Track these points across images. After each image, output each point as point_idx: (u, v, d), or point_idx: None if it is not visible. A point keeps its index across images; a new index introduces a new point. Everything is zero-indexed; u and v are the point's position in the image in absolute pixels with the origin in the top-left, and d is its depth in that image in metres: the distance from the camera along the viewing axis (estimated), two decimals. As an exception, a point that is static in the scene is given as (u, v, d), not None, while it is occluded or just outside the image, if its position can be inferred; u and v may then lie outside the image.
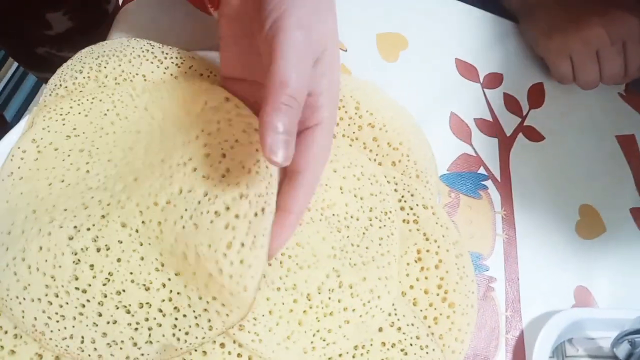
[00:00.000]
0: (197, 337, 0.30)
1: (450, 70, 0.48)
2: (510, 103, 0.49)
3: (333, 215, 0.36)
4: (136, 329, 0.30)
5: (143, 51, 0.36)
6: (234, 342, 0.31)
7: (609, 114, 0.52)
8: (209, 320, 0.30)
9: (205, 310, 0.30)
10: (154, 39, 0.38)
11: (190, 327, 0.30)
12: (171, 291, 0.30)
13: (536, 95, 0.50)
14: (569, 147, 0.49)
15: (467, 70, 0.49)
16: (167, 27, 0.41)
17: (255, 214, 0.31)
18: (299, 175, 0.31)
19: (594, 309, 0.43)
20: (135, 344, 0.30)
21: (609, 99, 0.53)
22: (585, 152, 0.49)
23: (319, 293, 0.34)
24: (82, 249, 0.30)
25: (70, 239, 0.30)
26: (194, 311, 0.30)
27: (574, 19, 0.48)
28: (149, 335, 0.30)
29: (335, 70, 0.32)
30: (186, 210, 0.31)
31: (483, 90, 0.49)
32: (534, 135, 0.48)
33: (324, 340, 0.33)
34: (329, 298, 0.34)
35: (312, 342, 0.33)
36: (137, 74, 0.35)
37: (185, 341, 0.30)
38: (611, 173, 0.50)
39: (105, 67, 0.35)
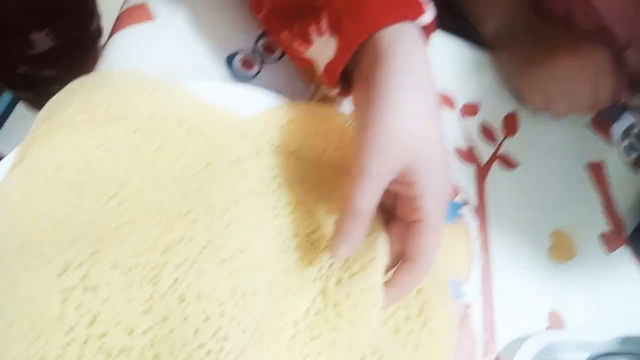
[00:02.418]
0: None
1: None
2: (486, 132, 0.51)
3: (319, 238, 0.37)
4: None
5: (133, 82, 0.36)
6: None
7: (579, 141, 0.55)
8: None
9: (188, 358, 0.30)
10: (144, 69, 0.39)
11: None
12: (154, 337, 0.30)
13: (511, 124, 0.52)
14: (542, 174, 0.51)
15: (444, 99, 0.51)
16: (158, 58, 0.41)
17: (257, 269, 0.33)
18: (408, 262, 0.35)
19: (567, 331, 0.45)
20: None
21: (579, 126, 0.56)
22: (557, 179, 0.52)
23: (306, 317, 0.35)
24: (69, 287, 0.30)
25: (59, 276, 0.30)
26: (175, 359, 0.30)
27: (547, 53, 0.50)
28: None
29: (433, 173, 0.33)
30: (188, 255, 0.32)
31: (460, 120, 0.50)
32: (508, 162, 0.50)
33: None
34: (316, 321, 0.35)
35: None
36: (126, 106, 0.36)
37: None
38: (581, 199, 0.52)
39: (95, 99, 0.35)
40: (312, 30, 0.36)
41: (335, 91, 0.39)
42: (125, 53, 0.40)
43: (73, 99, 0.35)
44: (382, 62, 0.33)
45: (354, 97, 0.36)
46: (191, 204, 0.35)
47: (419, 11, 0.34)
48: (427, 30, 0.36)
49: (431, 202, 0.33)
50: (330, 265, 0.36)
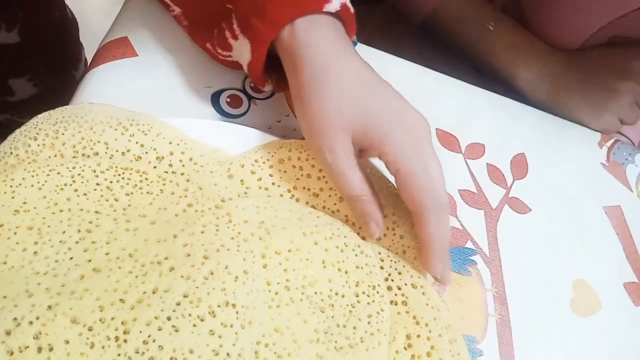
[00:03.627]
0: None
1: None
2: (494, 174, 0.47)
3: (315, 293, 0.33)
4: None
5: (107, 117, 0.33)
6: None
7: (594, 184, 0.51)
8: None
9: None
10: (122, 106, 0.36)
11: None
12: None
13: (519, 166, 0.49)
14: (557, 219, 0.47)
15: (448, 140, 0.47)
16: (138, 95, 0.38)
17: (242, 326, 0.29)
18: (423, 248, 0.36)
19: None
20: None
21: (592, 168, 0.52)
22: (574, 224, 0.48)
23: None
24: (19, 348, 0.25)
25: (8, 334, 0.25)
26: None
27: (597, 79, 0.57)
28: None
29: (392, 127, 0.34)
30: (163, 310, 0.28)
31: (465, 161, 0.47)
32: (520, 207, 0.46)
33: None
34: None
35: None
36: (98, 142, 0.32)
37: None
38: (601, 245, 0.48)
39: (63, 134, 0.32)
40: (228, 35, 0.37)
41: (268, 88, 0.39)
42: (102, 88, 0.37)
43: (38, 133, 0.31)
44: (301, 51, 0.34)
45: (291, 92, 0.36)
46: (168, 250, 0.30)
47: (323, 1, 0.35)
48: (345, 18, 0.36)
49: (404, 150, 0.34)
50: (327, 331, 0.32)
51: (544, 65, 0.58)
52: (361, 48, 0.48)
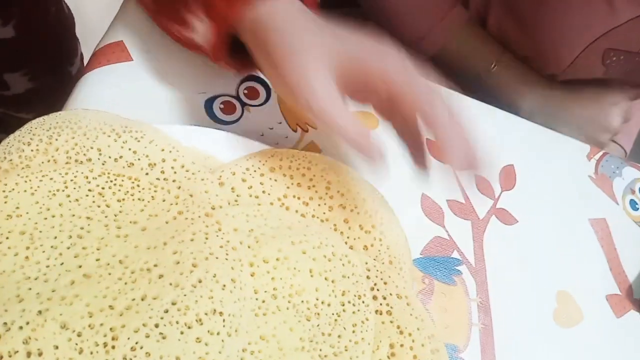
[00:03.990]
0: None
1: (421, 150, 0.47)
2: (482, 184, 0.48)
3: (302, 302, 0.34)
4: None
5: (100, 123, 0.33)
6: None
7: (581, 196, 0.52)
8: None
9: None
10: (115, 110, 0.36)
11: None
12: None
13: (508, 177, 0.50)
14: (543, 231, 0.48)
15: (437, 149, 0.48)
16: (131, 100, 0.38)
17: (229, 334, 0.30)
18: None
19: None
20: None
21: (580, 181, 0.53)
22: (559, 236, 0.48)
23: None
24: (9, 352, 0.26)
25: (-2, 338, 0.26)
26: None
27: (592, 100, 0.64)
28: None
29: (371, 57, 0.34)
30: (151, 318, 0.28)
31: (454, 172, 0.48)
32: (507, 218, 0.47)
33: None
34: None
35: None
36: (91, 148, 0.33)
37: None
38: (586, 257, 0.49)
39: (57, 140, 0.32)
40: (190, 17, 0.36)
41: (232, 71, 0.39)
42: (97, 92, 0.37)
43: (31, 138, 0.32)
44: (266, 24, 0.34)
45: (261, 65, 0.36)
46: (158, 257, 0.31)
47: None
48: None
49: (390, 70, 0.34)
50: (312, 339, 0.32)
51: (545, 97, 0.64)
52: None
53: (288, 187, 0.38)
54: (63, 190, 0.31)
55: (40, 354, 0.26)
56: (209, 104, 0.41)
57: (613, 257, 0.50)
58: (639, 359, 0.46)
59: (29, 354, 0.26)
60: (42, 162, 0.31)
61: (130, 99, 0.39)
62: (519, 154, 0.51)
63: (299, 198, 0.38)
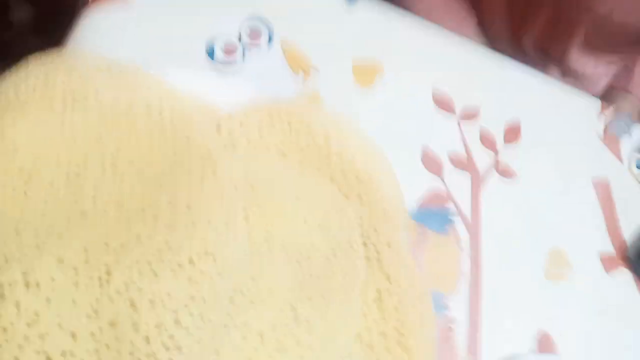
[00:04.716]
0: None
1: (426, 100, 0.47)
2: (486, 138, 0.48)
3: (294, 247, 0.35)
4: None
5: (97, 66, 0.34)
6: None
7: (585, 154, 0.51)
8: None
9: None
10: (114, 53, 0.36)
11: None
12: (99, 342, 0.28)
13: (513, 131, 0.49)
14: (543, 187, 0.48)
15: (443, 101, 0.48)
16: (132, 41, 0.38)
17: (219, 275, 0.31)
18: None
19: (556, 355, 0.42)
20: None
21: (587, 138, 0.52)
22: (559, 193, 0.48)
23: (273, 329, 0.32)
24: (9, 282, 0.27)
25: (-3, 269, 0.27)
26: None
27: None
28: None
29: None
30: (144, 256, 0.30)
31: (458, 123, 0.47)
32: (507, 172, 0.47)
33: None
34: (284, 334, 0.32)
35: (262, 380, 0.31)
36: (88, 90, 0.33)
37: None
38: (583, 216, 0.49)
39: (54, 79, 0.32)
40: None
41: None
42: (96, 33, 0.37)
43: (29, 78, 0.32)
44: None
45: None
46: (153, 198, 0.32)
47: None
48: None
49: None
50: (302, 282, 0.34)
51: None
52: (365, 1, 0.47)
53: (286, 135, 0.38)
54: (61, 130, 0.32)
55: (37, 285, 0.28)
56: (210, 45, 0.41)
57: (611, 217, 0.50)
58: (624, 313, 0.47)
59: (27, 285, 0.28)
60: (39, 101, 0.32)
61: (130, 40, 0.39)
62: (528, 108, 0.51)
63: (296, 147, 0.38)
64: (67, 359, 0.28)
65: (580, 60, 0.66)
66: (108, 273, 0.29)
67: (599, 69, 0.69)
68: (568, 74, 0.70)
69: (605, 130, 0.53)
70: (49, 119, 0.31)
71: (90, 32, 0.38)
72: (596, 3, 0.56)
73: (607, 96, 0.58)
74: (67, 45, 0.36)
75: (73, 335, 0.28)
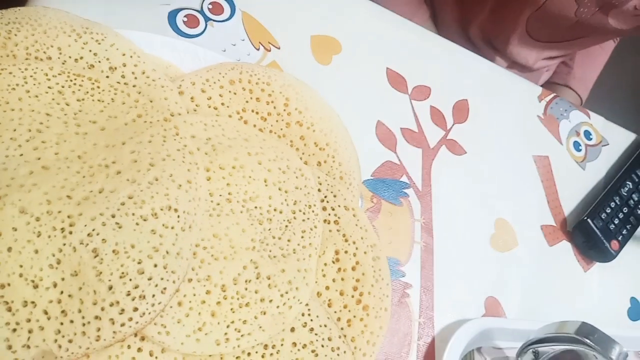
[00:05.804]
0: (80, 347, 0.28)
1: (381, 79, 0.49)
2: (436, 116, 0.50)
3: (255, 207, 0.36)
4: (14, 329, 0.27)
5: (61, 22, 0.34)
6: (136, 334, 0.30)
7: (528, 134, 0.55)
8: (98, 330, 0.28)
9: (97, 317, 0.28)
10: (78, 12, 0.36)
11: (75, 334, 0.28)
12: (62, 292, 0.28)
13: (461, 111, 0.52)
14: (489, 163, 0.51)
15: (396, 80, 0.50)
16: (93, 3, 0.38)
17: (182, 229, 0.32)
18: None
19: (502, 319, 0.45)
20: (9, 347, 0.27)
21: (529, 120, 0.56)
22: (504, 169, 0.52)
23: (235, 284, 0.33)
24: None
25: (-44, 217, 0.27)
26: (83, 317, 0.28)
27: None
28: (28, 338, 0.27)
29: None
30: (107, 208, 0.30)
31: (410, 102, 0.50)
32: (456, 148, 0.50)
33: (238, 332, 0.32)
34: (246, 289, 0.33)
35: (225, 334, 0.32)
36: (51, 46, 0.33)
37: (67, 349, 0.28)
38: (526, 190, 0.52)
39: (16, 35, 0.32)
40: None
41: None
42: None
43: (-10, 31, 0.32)
44: None
45: None
46: (116, 155, 0.32)
47: None
48: None
49: None
50: (263, 241, 0.35)
51: None
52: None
53: (247, 101, 0.39)
54: (22, 85, 0.32)
55: (-1, 235, 0.27)
56: (172, 16, 0.41)
57: (552, 192, 0.53)
58: (566, 284, 0.50)
59: (-13, 234, 0.27)
60: (1, 56, 0.32)
61: (93, 4, 0.39)
62: (475, 90, 0.54)
63: (257, 112, 0.39)
64: (29, 308, 0.28)
65: (522, 52, 0.70)
66: (71, 224, 0.29)
67: (541, 63, 0.73)
68: (513, 67, 0.74)
69: (544, 113, 0.57)
70: (12, 70, 0.31)
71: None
72: None
73: (548, 89, 0.61)
74: (29, 3, 0.36)
75: (35, 285, 0.28)
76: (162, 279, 0.30)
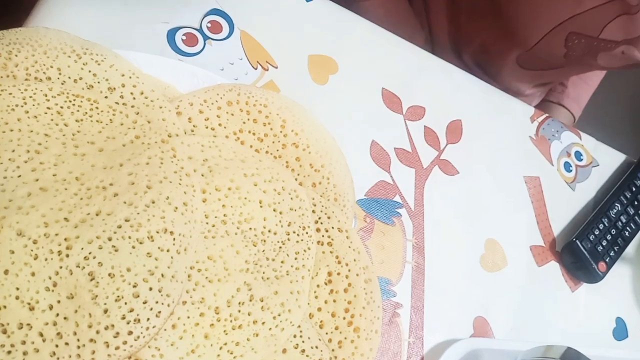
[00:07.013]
0: None
1: (376, 99, 0.50)
2: (430, 136, 0.51)
3: (250, 229, 0.36)
4: (9, 352, 0.27)
5: (61, 43, 0.34)
6: (130, 357, 0.30)
7: (520, 154, 0.56)
8: (93, 352, 0.28)
9: (92, 340, 0.28)
10: (77, 33, 0.36)
11: (70, 357, 0.28)
12: (57, 315, 0.28)
13: (454, 131, 0.53)
14: (481, 183, 0.52)
15: (391, 100, 0.50)
16: (92, 22, 0.39)
17: (178, 252, 0.32)
18: None
19: (490, 339, 0.46)
20: None
21: (521, 141, 0.57)
22: (495, 189, 0.52)
23: (228, 306, 0.33)
24: None
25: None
26: (78, 340, 0.28)
27: None
28: None
29: None
30: (104, 231, 0.30)
31: (405, 122, 0.50)
32: (448, 168, 0.51)
33: (231, 354, 0.32)
34: (239, 311, 0.34)
35: (218, 356, 0.32)
36: (51, 67, 0.33)
37: None
38: (516, 211, 0.53)
39: (16, 56, 0.32)
40: None
41: None
42: (58, 13, 0.37)
43: (-9, 52, 0.32)
44: None
45: None
46: (113, 177, 0.32)
47: None
48: None
49: None
50: (257, 262, 0.35)
51: None
52: (319, 1, 0.50)
53: (244, 122, 0.39)
54: (22, 106, 0.32)
55: (-5, 257, 0.28)
56: (171, 34, 0.42)
57: (541, 213, 0.54)
58: (553, 304, 0.51)
59: (-16, 256, 0.28)
60: (1, 77, 0.32)
61: (92, 23, 0.39)
62: (468, 110, 0.54)
63: (254, 134, 0.40)
64: (25, 331, 0.28)
65: (513, 82, 0.71)
66: (68, 247, 0.29)
67: (533, 90, 0.74)
68: (507, 91, 0.75)
69: (536, 134, 0.58)
70: (12, 91, 0.31)
71: (51, 12, 0.38)
72: (524, 36, 0.62)
73: (542, 107, 0.63)
74: (28, 23, 0.36)
75: (31, 308, 0.28)
76: (157, 302, 0.30)
